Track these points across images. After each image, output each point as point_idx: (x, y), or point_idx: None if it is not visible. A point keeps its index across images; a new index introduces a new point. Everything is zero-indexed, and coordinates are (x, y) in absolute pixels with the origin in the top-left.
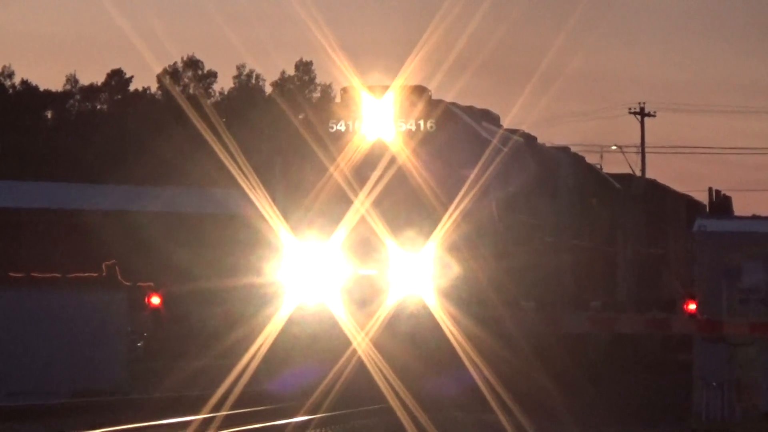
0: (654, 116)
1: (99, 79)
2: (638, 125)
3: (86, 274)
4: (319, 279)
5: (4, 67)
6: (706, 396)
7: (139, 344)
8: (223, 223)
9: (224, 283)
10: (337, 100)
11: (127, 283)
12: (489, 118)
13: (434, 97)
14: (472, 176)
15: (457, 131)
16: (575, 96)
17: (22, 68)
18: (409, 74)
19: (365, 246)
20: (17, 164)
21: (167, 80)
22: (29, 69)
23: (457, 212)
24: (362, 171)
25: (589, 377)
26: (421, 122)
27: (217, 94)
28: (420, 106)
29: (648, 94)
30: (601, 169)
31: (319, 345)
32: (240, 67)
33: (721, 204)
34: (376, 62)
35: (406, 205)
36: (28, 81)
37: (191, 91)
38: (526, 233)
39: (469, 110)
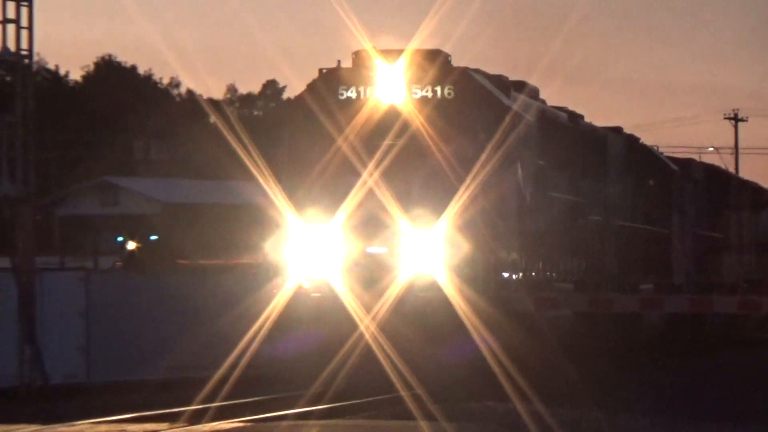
0: (746, 121)
1: (255, 88)
2: (732, 129)
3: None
4: (324, 258)
5: (172, 78)
6: None
7: None
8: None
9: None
10: (347, 64)
11: None
12: (523, 89)
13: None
14: (490, 146)
15: (476, 98)
16: (674, 103)
17: (188, 79)
18: (425, 37)
19: (374, 222)
20: (185, 165)
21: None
22: (194, 80)
23: (475, 184)
24: (372, 140)
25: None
26: (438, 88)
27: None
28: (436, 71)
29: (741, 101)
30: (659, 151)
31: (323, 327)
32: None
33: None
34: (390, 25)
35: (419, 177)
36: (193, 91)
37: None
38: (563, 211)
39: (497, 79)
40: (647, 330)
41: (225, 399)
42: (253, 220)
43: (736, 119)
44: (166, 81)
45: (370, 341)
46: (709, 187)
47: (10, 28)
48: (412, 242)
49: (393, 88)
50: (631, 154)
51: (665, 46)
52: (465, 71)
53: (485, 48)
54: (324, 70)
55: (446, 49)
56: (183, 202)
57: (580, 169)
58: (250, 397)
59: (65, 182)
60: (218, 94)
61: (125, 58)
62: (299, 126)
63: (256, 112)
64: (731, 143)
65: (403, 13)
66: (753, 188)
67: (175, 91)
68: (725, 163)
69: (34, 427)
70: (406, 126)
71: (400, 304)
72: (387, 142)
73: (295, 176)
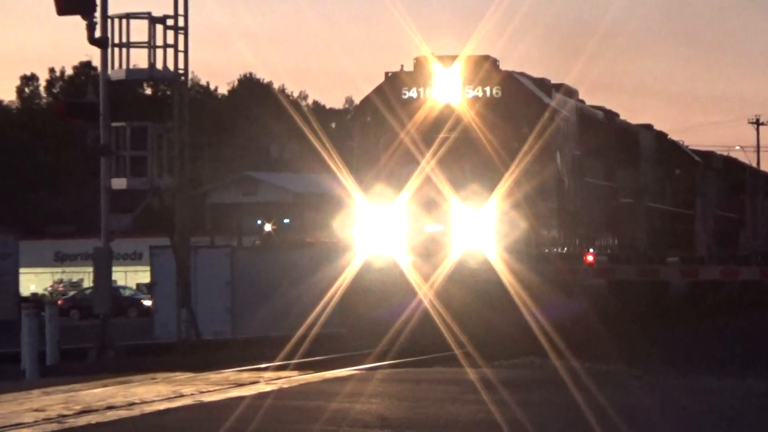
0: (766, 125)
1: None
2: (755, 132)
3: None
4: (388, 234)
5: (301, 92)
6: None
7: None
8: None
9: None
10: (409, 69)
11: None
12: (565, 91)
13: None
14: (532, 138)
15: (520, 96)
16: (704, 108)
17: (313, 93)
18: (478, 43)
19: (431, 204)
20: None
21: None
22: (319, 93)
23: (519, 171)
24: (430, 134)
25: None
26: (487, 89)
27: None
28: (486, 74)
29: (762, 108)
30: (683, 145)
31: (388, 294)
32: None
33: None
34: (446, 33)
35: (470, 165)
36: (318, 101)
37: None
38: (599, 195)
39: (540, 81)
40: (673, 296)
41: (326, 353)
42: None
43: (758, 123)
44: (296, 94)
45: (428, 307)
46: (727, 175)
47: (170, 51)
48: (463, 221)
49: (448, 88)
50: (660, 147)
51: (697, 58)
52: (510, 74)
53: (534, 54)
54: (389, 74)
55: (495, 54)
56: (310, 192)
57: (615, 159)
58: (336, 353)
59: (214, 176)
60: (338, 104)
61: (262, 75)
62: (368, 122)
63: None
64: (754, 143)
65: (459, 22)
66: (766, 177)
67: (303, 102)
68: (749, 159)
69: (189, 374)
70: (459, 121)
71: (453, 274)
72: (443, 135)
73: (362, 165)
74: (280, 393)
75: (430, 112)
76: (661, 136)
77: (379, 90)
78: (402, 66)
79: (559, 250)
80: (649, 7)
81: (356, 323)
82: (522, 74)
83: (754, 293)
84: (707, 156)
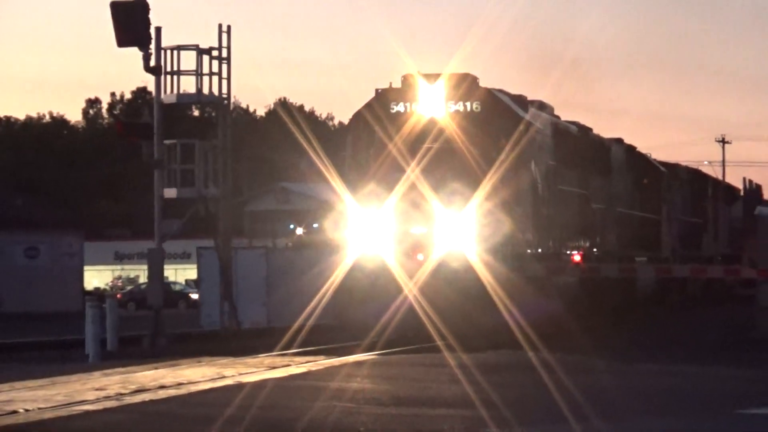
0: (731, 143)
1: None
2: (721, 149)
3: None
4: (377, 235)
5: (328, 113)
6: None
7: None
8: None
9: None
10: (397, 85)
11: None
12: (540, 106)
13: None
14: (508, 148)
15: (497, 111)
16: (677, 128)
17: (339, 114)
18: (460, 63)
19: (415, 208)
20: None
21: None
22: (343, 114)
23: (496, 179)
24: (415, 144)
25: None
26: (468, 104)
27: None
28: (466, 90)
29: (727, 129)
30: (651, 157)
31: (376, 288)
32: None
33: (753, 191)
34: (431, 53)
35: (452, 173)
36: (343, 122)
37: None
38: (572, 201)
39: (517, 97)
40: (641, 292)
41: (336, 342)
42: None
43: (723, 141)
44: (324, 115)
45: (413, 302)
46: (692, 185)
47: (215, 78)
48: (445, 224)
49: (432, 103)
50: (629, 159)
51: (670, 82)
52: (489, 90)
53: (513, 72)
54: (379, 90)
55: (476, 72)
56: (335, 200)
57: (588, 169)
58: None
59: (252, 187)
60: None
61: (296, 99)
62: (359, 134)
63: None
64: (720, 159)
65: (443, 43)
66: (726, 187)
67: (330, 123)
68: (716, 173)
69: (230, 358)
70: (442, 133)
71: (435, 272)
72: (427, 145)
73: (354, 174)
74: (308, 375)
75: (415, 124)
76: (631, 148)
77: (369, 104)
78: (391, 83)
79: (534, 251)
80: (624, 34)
81: (347, 317)
82: (500, 91)
83: (716, 291)
84: (673, 167)
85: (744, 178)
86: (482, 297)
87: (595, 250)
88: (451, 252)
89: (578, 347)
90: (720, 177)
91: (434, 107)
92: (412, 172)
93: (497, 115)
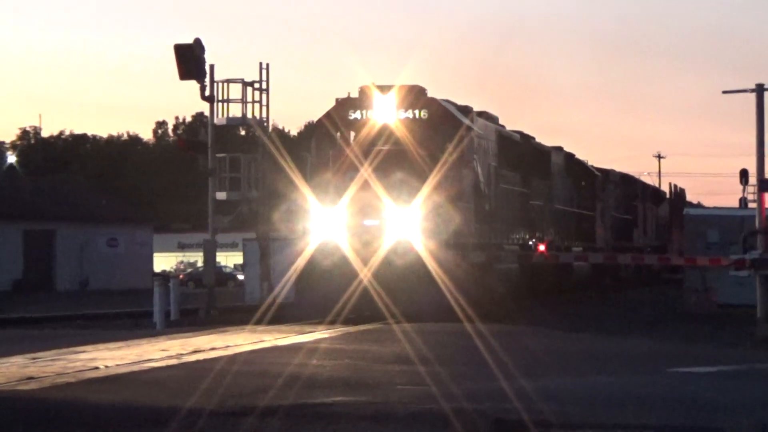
0: (665, 158)
1: None
2: (657, 163)
3: None
4: (335, 227)
5: None
6: (691, 296)
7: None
8: None
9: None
10: (355, 95)
11: None
12: (486, 116)
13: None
14: (451, 150)
15: (442, 118)
16: (622, 146)
17: None
18: (410, 75)
19: (369, 203)
20: None
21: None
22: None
23: (440, 176)
24: (370, 147)
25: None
26: (416, 111)
27: None
28: (415, 99)
29: (662, 146)
30: (587, 163)
31: (335, 273)
32: None
33: (678, 194)
34: (385, 66)
35: (401, 172)
36: None
37: None
38: (513, 198)
39: (463, 107)
40: (577, 277)
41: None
42: None
43: (659, 157)
44: None
45: (367, 286)
46: (624, 187)
47: (257, 105)
48: (395, 217)
49: (385, 111)
50: (568, 164)
51: (615, 106)
52: (434, 100)
53: (465, 84)
54: (339, 99)
55: (426, 84)
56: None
57: (529, 171)
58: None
59: (286, 190)
60: None
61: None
62: (321, 138)
63: None
64: (657, 170)
65: (398, 57)
66: (654, 189)
67: None
68: (654, 182)
69: (268, 326)
70: (393, 137)
71: (386, 260)
72: (379, 147)
73: (316, 174)
74: (331, 339)
75: (370, 129)
76: (570, 155)
77: (330, 113)
78: (349, 93)
79: (476, 240)
80: (575, 66)
81: (308, 298)
82: (446, 101)
83: (645, 276)
84: (607, 172)
85: (670, 183)
86: (427, 280)
87: (534, 240)
88: (399, 241)
89: (512, 321)
90: (656, 185)
91: (387, 114)
92: (366, 171)
93: (442, 121)
